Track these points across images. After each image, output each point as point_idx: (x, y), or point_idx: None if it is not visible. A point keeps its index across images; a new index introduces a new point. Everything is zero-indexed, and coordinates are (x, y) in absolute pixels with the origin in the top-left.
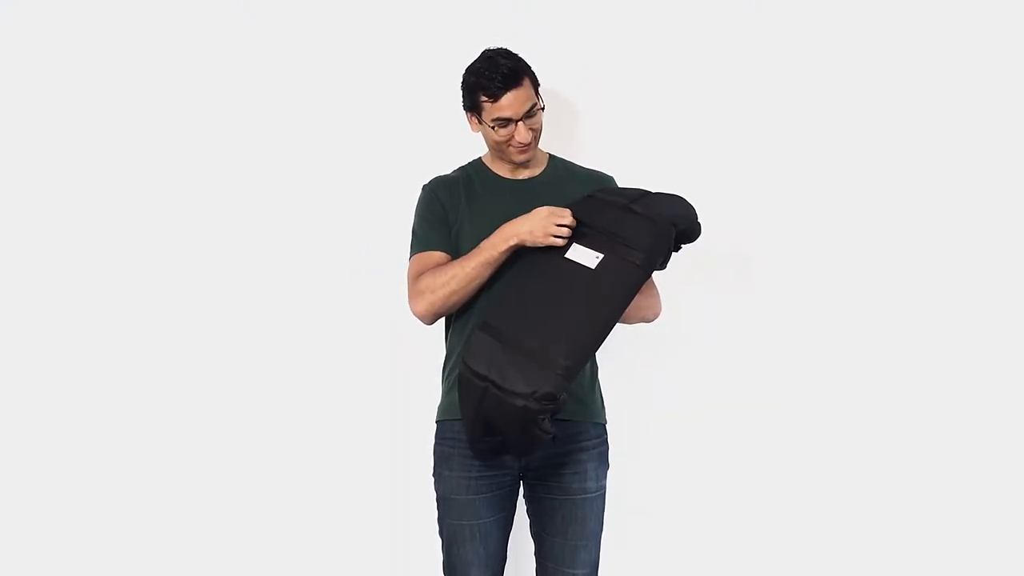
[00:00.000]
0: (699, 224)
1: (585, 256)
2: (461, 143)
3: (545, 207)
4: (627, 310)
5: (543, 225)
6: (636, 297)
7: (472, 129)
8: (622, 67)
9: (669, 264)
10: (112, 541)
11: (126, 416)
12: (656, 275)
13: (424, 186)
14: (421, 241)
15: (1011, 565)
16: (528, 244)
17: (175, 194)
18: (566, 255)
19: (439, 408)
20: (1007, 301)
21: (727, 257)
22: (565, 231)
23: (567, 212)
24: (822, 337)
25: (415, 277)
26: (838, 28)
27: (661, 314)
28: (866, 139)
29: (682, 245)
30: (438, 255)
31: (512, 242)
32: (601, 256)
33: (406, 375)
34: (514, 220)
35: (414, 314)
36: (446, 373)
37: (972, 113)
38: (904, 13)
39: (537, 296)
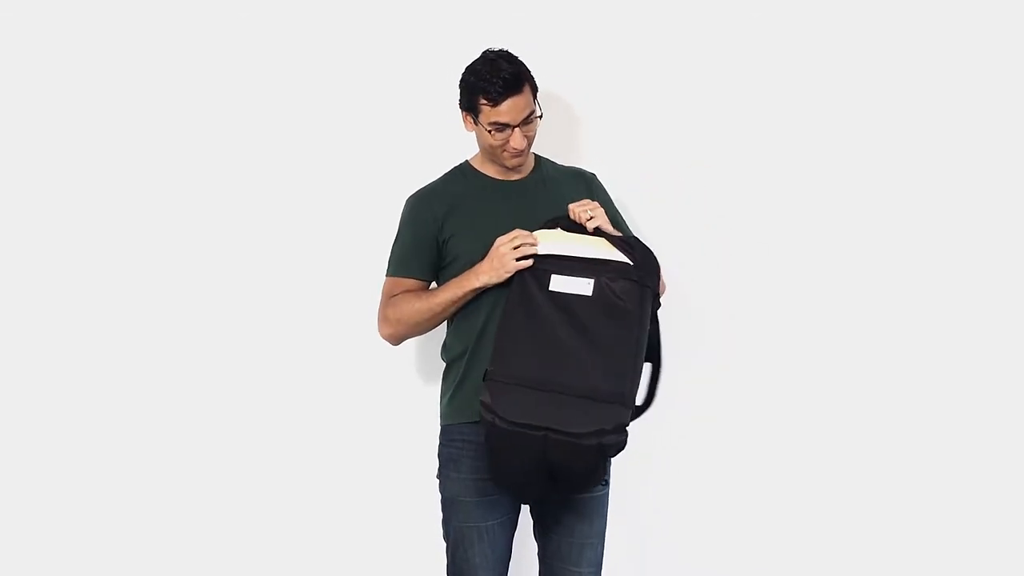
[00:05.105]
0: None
1: (574, 285)
2: (458, 143)
3: (496, 243)
4: None
5: (501, 264)
6: None
7: (466, 128)
8: (620, 68)
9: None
10: (112, 543)
11: (126, 422)
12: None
13: (408, 200)
14: (397, 264)
15: (1011, 565)
16: (495, 283)
17: (173, 196)
18: (550, 288)
19: (444, 412)
20: (1006, 300)
21: (727, 258)
22: (526, 250)
23: (520, 233)
24: (825, 336)
25: (386, 299)
26: (838, 29)
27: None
28: (866, 140)
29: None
30: (410, 283)
31: (476, 287)
32: (592, 281)
33: (404, 379)
34: (473, 268)
35: (380, 335)
36: (449, 378)
37: (972, 113)
38: (901, 13)
39: (551, 335)
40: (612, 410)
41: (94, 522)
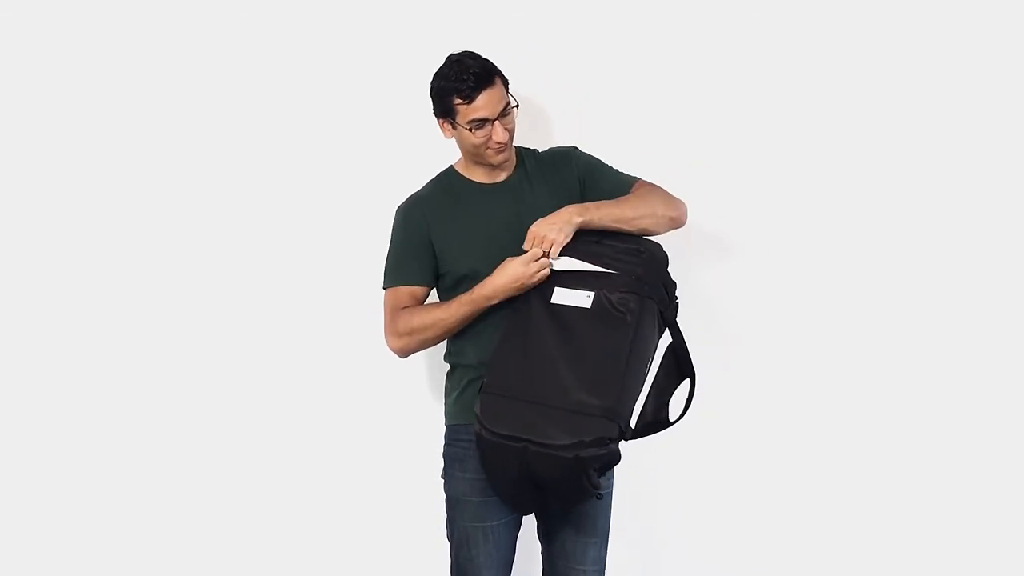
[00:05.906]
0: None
1: (574, 298)
2: (447, 147)
3: (514, 260)
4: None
5: (527, 278)
6: (628, 210)
7: (445, 136)
8: (619, 69)
9: None
10: (126, 544)
11: (130, 427)
12: None
13: (399, 208)
14: (395, 273)
15: (1011, 565)
16: (518, 294)
17: (174, 197)
18: (552, 301)
19: (449, 412)
20: (1008, 294)
21: (726, 258)
22: (546, 266)
23: (539, 250)
24: (826, 336)
25: (392, 312)
26: (837, 28)
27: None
28: (866, 140)
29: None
30: (412, 290)
31: (497, 300)
32: (592, 294)
33: (407, 379)
34: (491, 278)
35: (389, 348)
36: (454, 378)
37: (973, 113)
38: (901, 13)
39: (543, 349)
40: (596, 423)
41: (97, 522)
